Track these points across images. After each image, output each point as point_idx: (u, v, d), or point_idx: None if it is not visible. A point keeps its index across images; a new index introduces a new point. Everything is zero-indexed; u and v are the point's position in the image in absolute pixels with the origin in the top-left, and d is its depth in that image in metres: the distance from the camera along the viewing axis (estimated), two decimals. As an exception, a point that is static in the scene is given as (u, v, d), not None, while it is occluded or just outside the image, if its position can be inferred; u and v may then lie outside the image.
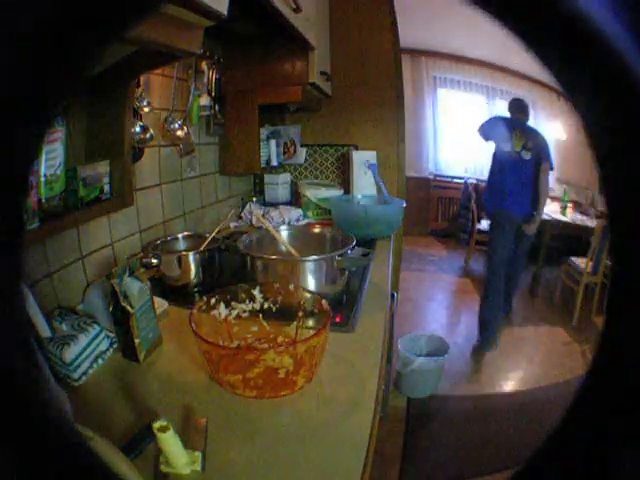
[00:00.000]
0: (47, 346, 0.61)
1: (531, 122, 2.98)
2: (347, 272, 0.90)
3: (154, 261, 0.92)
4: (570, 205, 3.42)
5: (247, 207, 1.66)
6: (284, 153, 1.86)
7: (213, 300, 0.70)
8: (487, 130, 2.38)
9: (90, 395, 0.60)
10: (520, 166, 2.24)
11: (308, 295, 0.72)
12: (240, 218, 1.66)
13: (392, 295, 1.30)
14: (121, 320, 0.66)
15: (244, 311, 0.73)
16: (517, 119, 2.33)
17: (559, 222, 3.18)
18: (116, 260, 0.98)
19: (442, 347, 1.94)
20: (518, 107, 2.38)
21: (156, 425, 0.44)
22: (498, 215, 2.33)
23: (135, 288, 0.66)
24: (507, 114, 2.44)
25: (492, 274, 2.35)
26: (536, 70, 3.39)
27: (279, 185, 1.76)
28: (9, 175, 0.13)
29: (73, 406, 0.48)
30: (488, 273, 2.39)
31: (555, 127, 4.13)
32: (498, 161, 2.33)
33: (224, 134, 1.51)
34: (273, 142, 1.74)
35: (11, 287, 0.15)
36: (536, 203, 2.27)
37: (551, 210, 3.42)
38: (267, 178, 1.78)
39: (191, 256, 0.94)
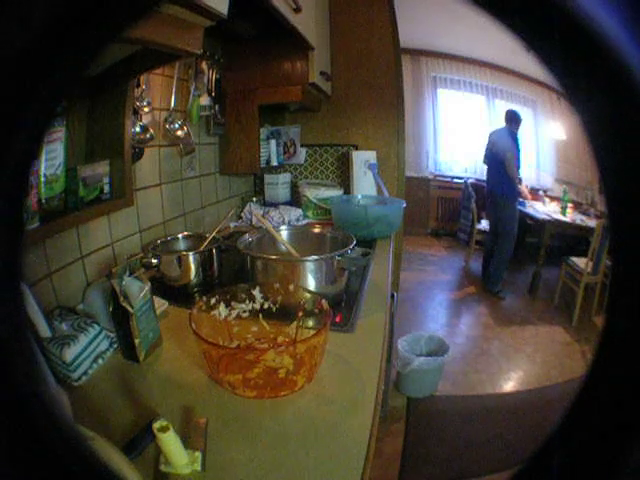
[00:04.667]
0: (47, 346, 0.61)
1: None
2: (347, 272, 0.90)
3: (154, 261, 0.92)
4: (570, 205, 3.42)
5: (247, 207, 1.66)
6: (284, 153, 1.87)
7: (213, 300, 0.70)
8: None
9: (90, 395, 0.60)
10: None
11: (308, 295, 0.72)
12: (240, 218, 1.66)
13: (392, 295, 1.30)
14: (121, 320, 0.65)
15: (244, 311, 0.73)
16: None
17: (559, 222, 3.18)
18: (116, 260, 0.98)
19: (442, 347, 1.94)
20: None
21: (156, 425, 0.44)
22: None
23: (135, 288, 0.67)
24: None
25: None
26: (536, 70, 3.40)
27: (279, 185, 1.76)
28: (9, 175, 0.13)
29: (73, 406, 0.48)
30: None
31: (555, 127, 4.13)
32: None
33: (224, 134, 1.51)
34: (273, 142, 1.74)
35: (11, 287, 0.15)
36: None
37: (551, 210, 3.42)
38: (267, 178, 1.78)
39: (191, 256, 0.94)
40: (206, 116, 1.38)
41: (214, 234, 1.03)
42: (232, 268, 1.05)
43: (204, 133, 1.42)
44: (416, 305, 2.96)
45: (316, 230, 1.10)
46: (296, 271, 0.85)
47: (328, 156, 1.90)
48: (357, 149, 1.82)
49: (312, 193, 1.63)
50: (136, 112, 1.01)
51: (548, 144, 4.29)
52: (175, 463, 0.45)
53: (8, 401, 0.14)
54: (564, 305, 2.91)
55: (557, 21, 0.12)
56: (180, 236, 1.09)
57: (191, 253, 0.95)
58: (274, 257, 0.87)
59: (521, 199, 3.25)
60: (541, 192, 3.96)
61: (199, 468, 0.46)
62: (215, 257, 0.99)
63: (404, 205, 1.45)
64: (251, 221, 1.59)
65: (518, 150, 3.00)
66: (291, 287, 0.74)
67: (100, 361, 0.66)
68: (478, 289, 3.31)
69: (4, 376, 0.14)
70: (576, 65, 0.12)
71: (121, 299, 0.64)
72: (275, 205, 1.69)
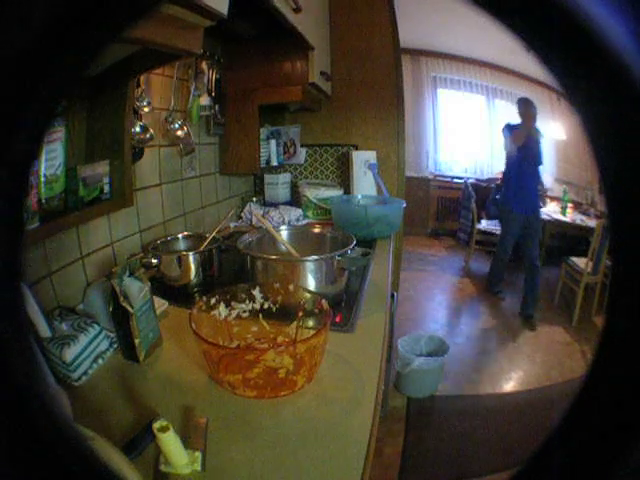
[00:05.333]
0: (47, 346, 0.61)
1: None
2: (347, 272, 0.90)
3: (154, 261, 0.92)
4: (570, 205, 3.42)
5: (247, 207, 1.66)
6: (284, 153, 1.86)
7: (213, 300, 0.70)
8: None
9: (90, 395, 0.60)
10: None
11: (308, 295, 0.72)
12: (240, 218, 1.66)
13: (392, 295, 1.30)
14: (121, 320, 0.65)
15: (244, 311, 0.73)
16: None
17: (559, 222, 3.18)
18: (116, 260, 0.98)
19: (442, 347, 1.94)
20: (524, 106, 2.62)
21: (156, 425, 0.44)
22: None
23: (135, 288, 0.66)
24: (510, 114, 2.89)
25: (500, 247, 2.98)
26: (536, 70, 3.40)
27: (279, 185, 1.76)
28: (9, 175, 0.13)
29: (73, 406, 0.48)
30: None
31: (555, 127, 4.14)
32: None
33: (224, 134, 1.51)
34: (273, 142, 1.74)
35: (11, 287, 0.15)
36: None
37: (551, 210, 3.42)
38: (267, 178, 1.78)
39: (191, 256, 0.94)
40: (206, 116, 1.38)
41: (214, 234, 1.03)
42: (232, 268, 1.05)
43: (204, 133, 1.42)
44: (416, 305, 2.96)
45: (316, 230, 1.10)
46: (296, 271, 0.85)
47: (328, 156, 1.90)
48: (357, 149, 1.82)
49: (312, 193, 1.63)
50: (136, 112, 1.01)
51: (548, 144, 4.29)
52: (175, 463, 0.45)
53: (8, 401, 0.14)
54: (564, 305, 2.91)
55: (557, 21, 0.12)
56: (180, 236, 1.09)
57: (191, 253, 0.95)
58: (274, 257, 0.87)
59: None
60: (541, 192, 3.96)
61: (199, 468, 0.46)
62: (215, 257, 0.99)
63: (404, 205, 1.45)
64: (251, 221, 1.59)
65: (528, 149, 2.59)
66: (291, 287, 0.74)
67: (100, 361, 0.66)
68: (478, 289, 3.31)
69: (4, 376, 0.14)
70: (576, 65, 0.12)
71: (121, 299, 0.64)
72: (275, 205, 1.69)
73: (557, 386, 2.02)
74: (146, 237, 1.10)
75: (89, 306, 0.74)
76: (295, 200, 1.78)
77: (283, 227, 1.11)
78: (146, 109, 1.05)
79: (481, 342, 2.48)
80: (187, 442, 0.47)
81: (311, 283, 0.84)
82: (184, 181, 1.31)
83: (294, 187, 1.82)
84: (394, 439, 1.64)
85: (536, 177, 2.74)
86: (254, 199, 1.75)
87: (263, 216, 1.50)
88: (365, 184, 1.75)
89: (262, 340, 0.73)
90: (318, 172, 1.92)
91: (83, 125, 0.89)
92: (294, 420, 0.55)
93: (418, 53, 4.48)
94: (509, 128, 2.66)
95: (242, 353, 0.66)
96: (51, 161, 0.73)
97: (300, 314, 0.72)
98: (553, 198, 3.80)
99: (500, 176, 4.19)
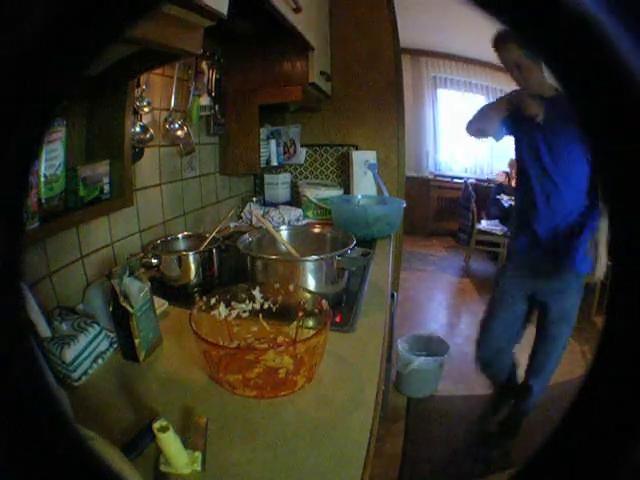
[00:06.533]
0: (47, 346, 0.61)
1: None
2: (347, 272, 0.90)
3: (154, 261, 0.92)
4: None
5: (247, 207, 1.66)
6: (284, 153, 1.87)
7: (213, 300, 0.70)
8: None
9: (90, 395, 0.60)
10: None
11: (308, 295, 0.72)
12: (240, 218, 1.66)
13: (392, 295, 1.30)
14: (121, 320, 0.65)
15: (244, 311, 0.73)
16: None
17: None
18: (116, 260, 0.98)
19: (442, 347, 1.94)
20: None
21: (156, 425, 0.44)
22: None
23: (135, 288, 0.66)
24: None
25: None
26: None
27: (279, 185, 1.76)
28: (9, 175, 0.13)
29: (73, 406, 0.48)
30: None
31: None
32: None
33: (224, 134, 1.51)
34: (273, 142, 1.74)
35: (11, 287, 0.15)
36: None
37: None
38: (267, 178, 1.78)
39: (191, 256, 0.94)
40: (206, 116, 1.38)
41: (214, 234, 1.03)
42: (232, 268, 1.05)
43: (204, 133, 1.42)
44: (416, 305, 2.96)
45: (316, 230, 1.10)
46: (296, 271, 0.85)
47: (328, 156, 1.90)
48: (357, 149, 1.82)
49: (312, 193, 1.63)
50: (136, 112, 1.01)
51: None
52: (175, 463, 0.45)
53: (8, 401, 0.14)
54: (564, 305, 2.91)
55: (557, 21, 0.12)
56: (180, 236, 1.09)
57: (191, 253, 0.95)
58: (274, 257, 0.87)
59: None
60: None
61: (199, 468, 0.46)
62: (215, 257, 0.99)
63: (404, 205, 1.45)
64: (251, 221, 1.59)
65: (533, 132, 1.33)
66: (291, 287, 0.74)
67: (100, 361, 0.66)
68: (478, 289, 3.31)
69: (4, 376, 0.14)
70: (576, 65, 0.12)
71: (121, 299, 0.64)
72: (275, 205, 1.69)
73: (557, 386, 2.02)
74: (146, 237, 1.10)
75: (89, 306, 0.74)
76: (295, 200, 1.78)
77: (283, 227, 1.11)
78: (146, 109, 1.05)
79: (481, 342, 2.47)
80: (187, 442, 0.47)
81: (311, 283, 0.84)
82: (184, 181, 1.31)
83: (294, 187, 1.82)
84: (394, 439, 1.64)
85: (572, 194, 1.25)
86: (254, 199, 1.75)
87: (263, 216, 1.50)
88: (365, 184, 1.75)
89: (262, 340, 0.73)
90: (318, 172, 1.92)
91: (83, 125, 0.89)
92: (294, 420, 0.55)
93: (418, 53, 4.47)
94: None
95: (242, 353, 0.66)
96: (51, 161, 0.73)
97: (300, 314, 0.72)
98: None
99: (502, 174, 4.19)
